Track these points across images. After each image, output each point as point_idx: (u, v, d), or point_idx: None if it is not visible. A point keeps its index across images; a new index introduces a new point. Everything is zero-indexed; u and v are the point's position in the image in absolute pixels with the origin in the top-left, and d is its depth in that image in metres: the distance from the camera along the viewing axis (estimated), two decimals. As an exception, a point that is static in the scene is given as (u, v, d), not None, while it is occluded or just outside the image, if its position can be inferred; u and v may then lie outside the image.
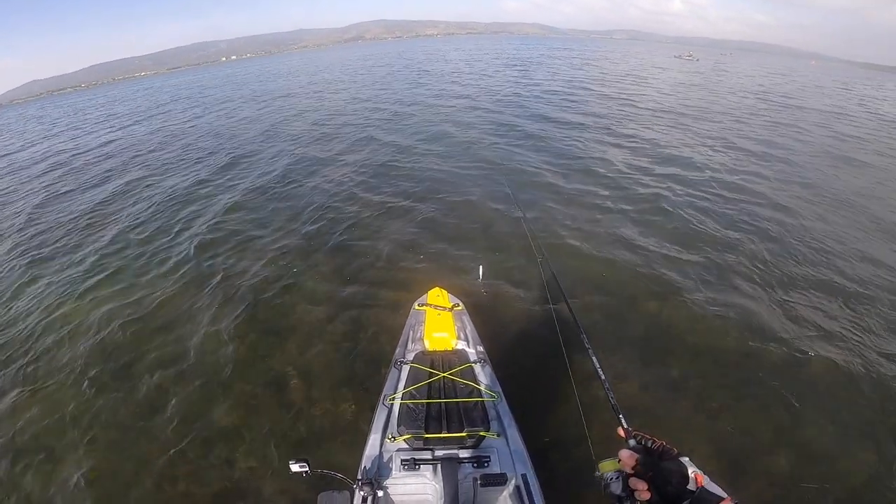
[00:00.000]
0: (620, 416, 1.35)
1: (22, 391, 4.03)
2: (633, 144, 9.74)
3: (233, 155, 10.62)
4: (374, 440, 2.53)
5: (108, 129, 18.09)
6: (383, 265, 5.26)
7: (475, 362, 2.96)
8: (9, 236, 7.60)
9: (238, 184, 8.44)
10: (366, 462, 2.42)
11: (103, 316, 4.85)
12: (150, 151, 12.39)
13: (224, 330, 4.36)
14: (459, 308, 3.49)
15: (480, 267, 4.45)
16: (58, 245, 6.82)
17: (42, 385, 4.06)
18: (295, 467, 2.13)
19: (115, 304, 5.02)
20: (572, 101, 14.70)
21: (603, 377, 1.68)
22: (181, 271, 5.55)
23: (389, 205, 6.79)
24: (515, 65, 29.06)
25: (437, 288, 3.65)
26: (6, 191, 10.71)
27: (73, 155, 13.59)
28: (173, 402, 3.66)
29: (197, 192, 8.32)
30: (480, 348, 3.15)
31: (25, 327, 4.92)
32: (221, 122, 15.92)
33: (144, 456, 3.22)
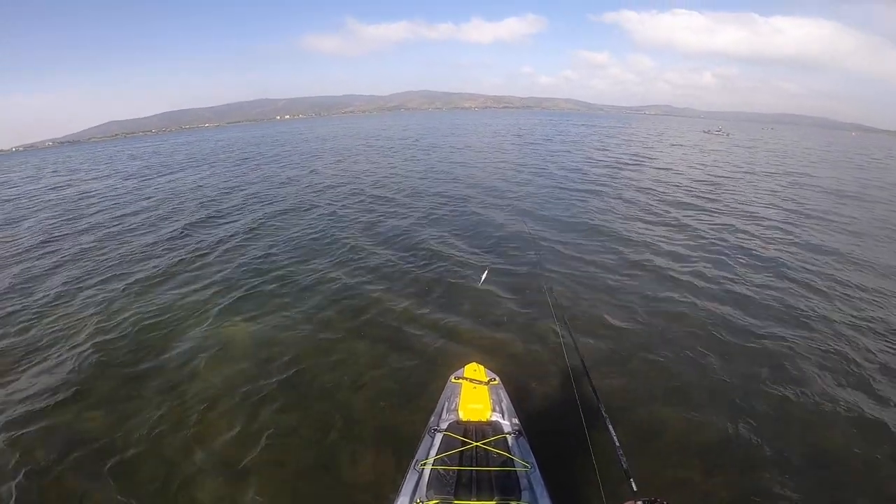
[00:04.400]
0: (631, 479, 1.66)
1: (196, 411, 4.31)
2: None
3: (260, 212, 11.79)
4: (401, 503, 2.56)
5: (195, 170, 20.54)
6: (421, 337, 5.37)
7: (509, 433, 2.97)
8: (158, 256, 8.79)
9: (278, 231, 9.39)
10: None
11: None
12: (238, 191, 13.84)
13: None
14: (496, 383, 3.56)
15: (485, 273, 4.81)
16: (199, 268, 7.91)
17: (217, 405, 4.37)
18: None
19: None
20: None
21: (618, 444, 1.95)
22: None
23: (414, 276, 7.13)
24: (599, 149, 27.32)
25: (473, 363, 3.76)
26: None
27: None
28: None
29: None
30: (515, 420, 3.18)
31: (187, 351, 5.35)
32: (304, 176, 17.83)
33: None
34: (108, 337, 5.70)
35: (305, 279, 7.20)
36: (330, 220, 10.77)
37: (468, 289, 6.55)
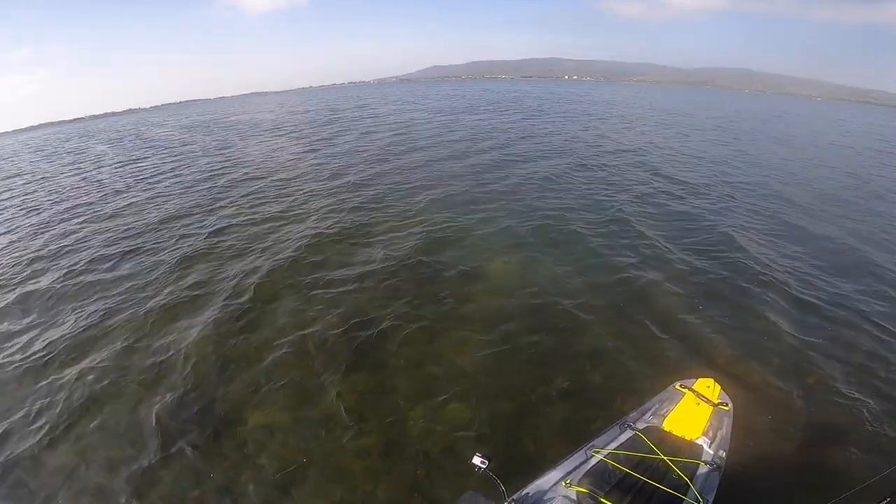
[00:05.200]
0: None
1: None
2: None
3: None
4: (551, 476, 2.56)
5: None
6: (661, 337, 5.01)
7: (706, 463, 2.71)
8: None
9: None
10: (531, 489, 2.46)
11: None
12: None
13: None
14: (726, 408, 3.18)
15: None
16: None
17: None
18: (476, 460, 2.33)
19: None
20: None
21: None
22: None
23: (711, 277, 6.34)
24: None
25: (711, 379, 3.43)
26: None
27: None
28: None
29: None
30: (723, 454, 2.84)
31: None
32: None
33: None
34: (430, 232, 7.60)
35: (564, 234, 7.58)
36: (606, 187, 10.70)
37: (753, 307, 5.56)
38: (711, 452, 2.86)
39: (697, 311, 5.47)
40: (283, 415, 4.08)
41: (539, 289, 5.85)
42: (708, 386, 3.36)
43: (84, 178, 15.75)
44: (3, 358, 5.24)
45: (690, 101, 49.39)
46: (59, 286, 6.80)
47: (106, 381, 4.65)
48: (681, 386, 3.37)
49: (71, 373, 4.83)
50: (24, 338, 5.62)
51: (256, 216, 8.99)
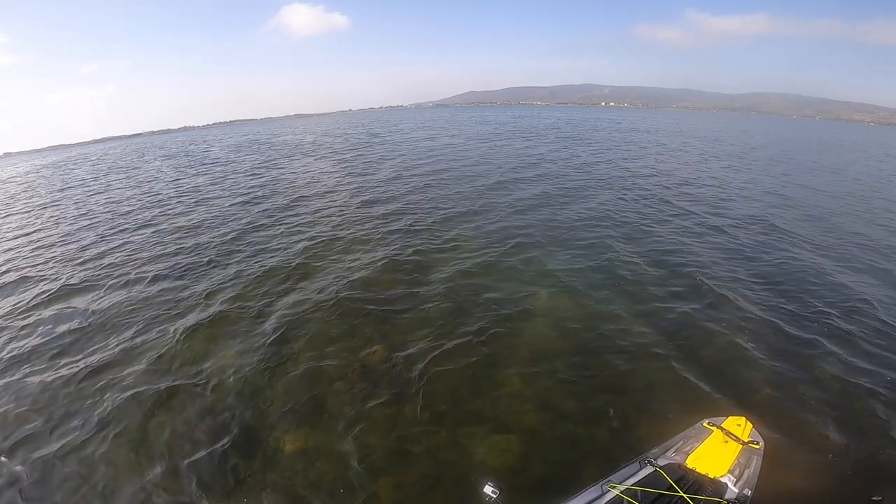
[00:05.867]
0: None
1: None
2: None
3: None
4: None
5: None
6: (690, 375, 4.70)
7: (729, 502, 2.60)
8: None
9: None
10: None
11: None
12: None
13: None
14: (756, 447, 3.05)
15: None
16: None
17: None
18: (488, 489, 2.28)
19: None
20: None
21: None
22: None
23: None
24: None
25: (742, 417, 3.32)
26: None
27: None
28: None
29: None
30: (748, 493, 2.73)
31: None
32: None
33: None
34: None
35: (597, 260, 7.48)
36: (651, 220, 10.49)
37: (803, 350, 5.12)
38: (736, 491, 2.74)
39: (746, 351, 5.16)
40: (317, 440, 4.09)
41: (583, 324, 5.72)
42: (739, 424, 3.24)
43: (143, 191, 16.87)
44: (55, 368, 5.50)
45: (736, 128, 47.58)
46: (92, 306, 6.97)
47: (132, 394, 4.75)
48: (709, 424, 3.27)
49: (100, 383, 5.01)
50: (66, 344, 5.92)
51: (296, 240, 9.23)
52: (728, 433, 3.13)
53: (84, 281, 7.88)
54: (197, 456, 3.93)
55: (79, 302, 7.05)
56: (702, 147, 25.66)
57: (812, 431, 3.95)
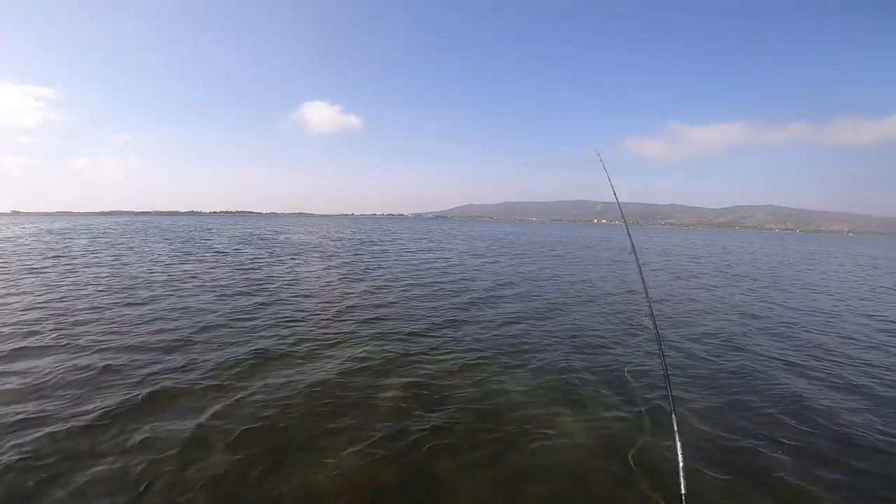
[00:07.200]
0: None
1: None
2: None
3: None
4: None
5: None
6: None
7: None
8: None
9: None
10: None
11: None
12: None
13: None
14: None
15: None
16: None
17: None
18: None
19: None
20: None
21: None
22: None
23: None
24: None
25: None
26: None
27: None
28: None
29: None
30: None
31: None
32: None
33: None
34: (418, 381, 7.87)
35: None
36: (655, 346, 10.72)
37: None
38: None
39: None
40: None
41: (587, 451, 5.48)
42: None
43: (145, 269, 17.57)
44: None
45: (718, 245, 49.26)
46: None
47: None
48: None
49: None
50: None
51: (290, 338, 9.22)
52: None
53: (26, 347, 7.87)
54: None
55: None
56: (683, 265, 26.70)
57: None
